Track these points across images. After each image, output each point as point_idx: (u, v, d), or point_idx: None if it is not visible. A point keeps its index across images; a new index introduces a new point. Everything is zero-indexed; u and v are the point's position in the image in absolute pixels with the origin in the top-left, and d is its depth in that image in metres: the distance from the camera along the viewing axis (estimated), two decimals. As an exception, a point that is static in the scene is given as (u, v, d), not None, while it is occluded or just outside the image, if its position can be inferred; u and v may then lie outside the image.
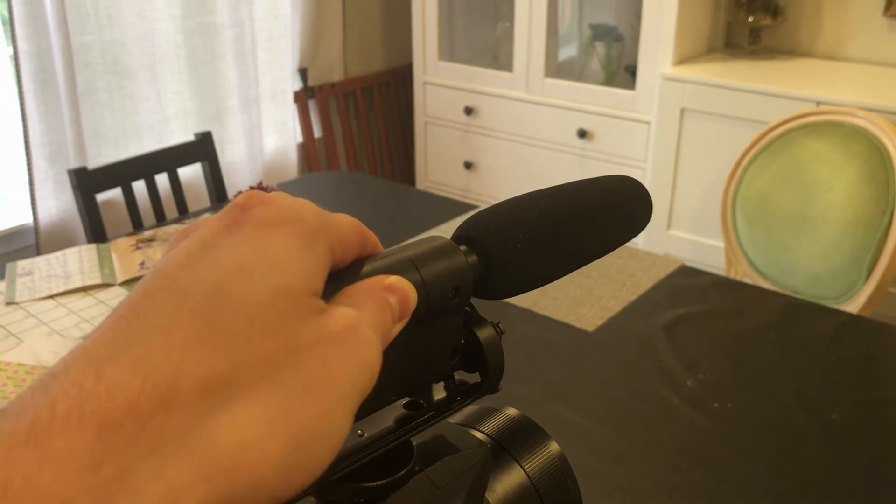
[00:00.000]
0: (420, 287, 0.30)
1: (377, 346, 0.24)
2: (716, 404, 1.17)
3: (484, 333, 0.34)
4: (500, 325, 0.35)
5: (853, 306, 1.77)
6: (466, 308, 0.34)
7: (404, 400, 0.34)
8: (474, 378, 0.36)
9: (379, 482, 0.31)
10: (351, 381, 0.23)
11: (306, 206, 0.25)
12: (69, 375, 0.20)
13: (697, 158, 2.43)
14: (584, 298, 1.44)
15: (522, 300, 1.42)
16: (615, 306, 1.42)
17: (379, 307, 0.26)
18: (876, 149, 1.80)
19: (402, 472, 0.32)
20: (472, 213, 1.83)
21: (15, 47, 2.10)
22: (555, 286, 1.48)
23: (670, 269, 1.56)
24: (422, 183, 3.19)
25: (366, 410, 0.31)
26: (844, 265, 1.82)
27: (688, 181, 2.46)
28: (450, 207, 1.89)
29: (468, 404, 0.35)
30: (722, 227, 2.00)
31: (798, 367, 1.27)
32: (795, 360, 1.28)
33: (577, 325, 1.36)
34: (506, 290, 0.35)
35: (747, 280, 1.93)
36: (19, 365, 1.22)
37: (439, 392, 0.35)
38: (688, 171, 2.45)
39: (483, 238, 0.34)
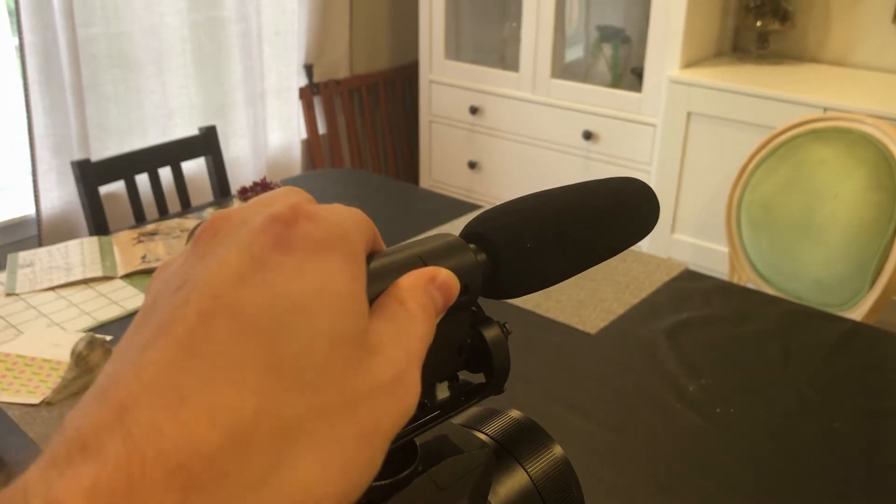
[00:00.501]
0: None
1: (418, 383, 0.25)
2: (718, 409, 1.16)
3: (490, 333, 0.34)
4: (506, 325, 0.35)
5: (857, 314, 1.76)
6: (472, 307, 0.33)
7: None
8: (478, 378, 0.36)
9: (382, 482, 0.31)
10: (396, 427, 0.24)
11: (348, 222, 0.26)
12: (143, 411, 0.19)
13: (703, 162, 2.42)
14: (587, 301, 1.44)
15: (525, 302, 1.41)
16: (618, 309, 1.42)
17: (426, 314, 0.27)
18: (883, 156, 1.79)
19: (406, 472, 0.31)
20: (476, 212, 1.83)
21: (21, 38, 2.09)
22: (557, 288, 1.47)
23: (674, 273, 1.55)
24: (425, 182, 3.19)
25: None
26: (849, 272, 1.81)
27: (693, 185, 2.45)
28: (454, 207, 1.88)
29: (473, 405, 0.34)
30: (726, 232, 1.99)
31: (801, 374, 1.26)
32: (798, 367, 1.28)
33: (580, 327, 1.36)
34: (513, 289, 0.35)
35: (750, 285, 1.92)
36: (18, 356, 1.22)
37: (442, 392, 0.35)
38: (693, 174, 2.44)
39: (492, 236, 0.34)
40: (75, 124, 2.22)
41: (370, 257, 0.28)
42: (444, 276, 0.28)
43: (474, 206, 1.87)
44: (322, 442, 0.21)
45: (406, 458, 0.32)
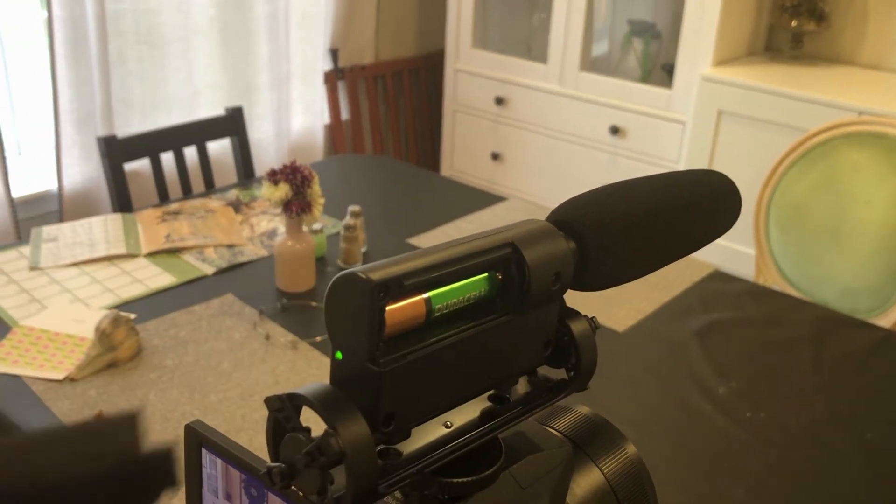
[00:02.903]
0: (522, 270, 0.28)
1: None
2: (748, 414, 1.14)
3: (578, 327, 0.32)
4: (594, 319, 0.33)
5: (885, 321, 1.73)
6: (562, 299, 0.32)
7: (489, 392, 0.32)
8: (556, 374, 0.34)
9: (467, 479, 0.29)
10: None
11: None
12: None
13: (732, 162, 2.39)
14: (615, 298, 1.42)
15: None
16: (647, 308, 1.39)
17: None
18: (919, 163, 1.75)
19: (491, 470, 0.30)
20: (502, 204, 1.81)
21: (50, 12, 2.08)
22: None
23: (703, 274, 1.53)
24: (446, 171, 3.17)
25: (454, 401, 0.29)
26: (878, 280, 1.78)
27: (719, 185, 2.42)
28: (479, 197, 1.86)
29: (558, 401, 0.33)
30: (754, 235, 1.96)
31: (833, 381, 1.24)
32: (830, 375, 1.25)
33: (608, 324, 1.34)
34: (598, 280, 0.33)
35: (776, 289, 1.89)
36: (42, 331, 1.21)
37: (521, 387, 0.33)
38: (720, 174, 2.41)
39: (581, 224, 0.32)
40: (100, 100, 2.21)
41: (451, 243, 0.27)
42: None
43: (499, 198, 1.85)
44: None
45: (490, 454, 0.31)
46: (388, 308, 0.27)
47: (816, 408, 1.17)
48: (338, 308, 0.27)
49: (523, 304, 0.30)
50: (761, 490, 1.01)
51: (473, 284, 0.30)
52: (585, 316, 0.33)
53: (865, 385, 1.23)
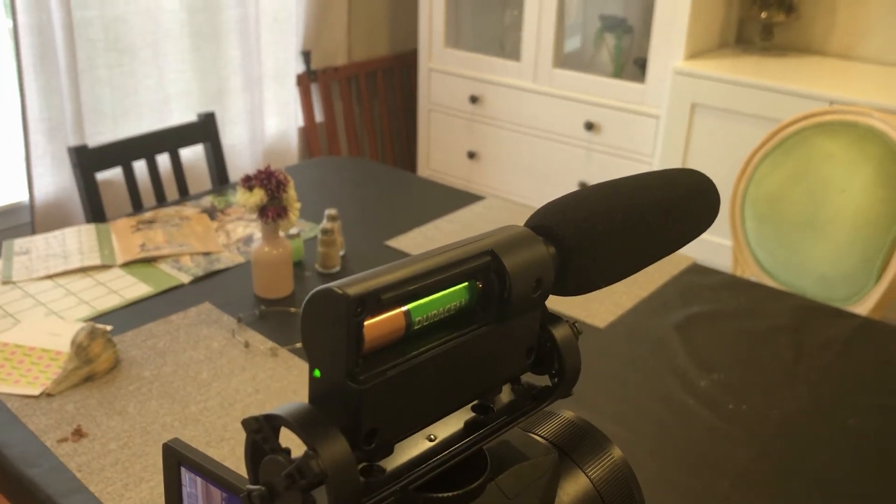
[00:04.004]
0: (503, 277, 0.28)
1: None
2: (730, 406, 1.15)
3: (560, 332, 0.32)
4: (576, 324, 0.32)
5: (861, 309, 1.74)
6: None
7: (472, 403, 0.32)
8: (539, 381, 0.34)
9: (452, 493, 0.29)
10: None
11: None
12: None
13: (707, 155, 2.40)
14: (595, 294, 1.42)
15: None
16: (627, 303, 1.40)
17: None
18: (891, 151, 1.77)
19: (476, 483, 0.29)
20: (479, 203, 1.80)
21: (14, 20, 2.05)
22: (565, 280, 1.45)
23: (682, 267, 1.53)
24: (423, 171, 3.16)
25: (437, 414, 0.29)
26: (855, 267, 1.79)
27: (695, 177, 2.43)
28: (457, 197, 1.85)
29: (542, 409, 0.32)
30: (730, 226, 1.97)
31: (813, 370, 1.24)
32: (810, 363, 1.26)
33: (589, 321, 1.34)
34: (578, 285, 0.33)
35: (753, 279, 1.91)
36: (17, 346, 1.19)
37: (505, 395, 0.33)
38: (696, 167, 2.41)
39: (561, 229, 0.32)
40: (70, 108, 2.18)
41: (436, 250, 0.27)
42: None
43: (477, 197, 1.85)
44: None
45: (475, 466, 0.30)
46: (366, 323, 0.26)
47: (798, 397, 1.18)
48: (314, 325, 0.26)
49: (504, 313, 0.29)
50: (746, 481, 1.01)
51: (453, 295, 0.29)
52: (567, 321, 0.33)
53: (845, 372, 1.24)
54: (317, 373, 0.27)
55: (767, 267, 1.92)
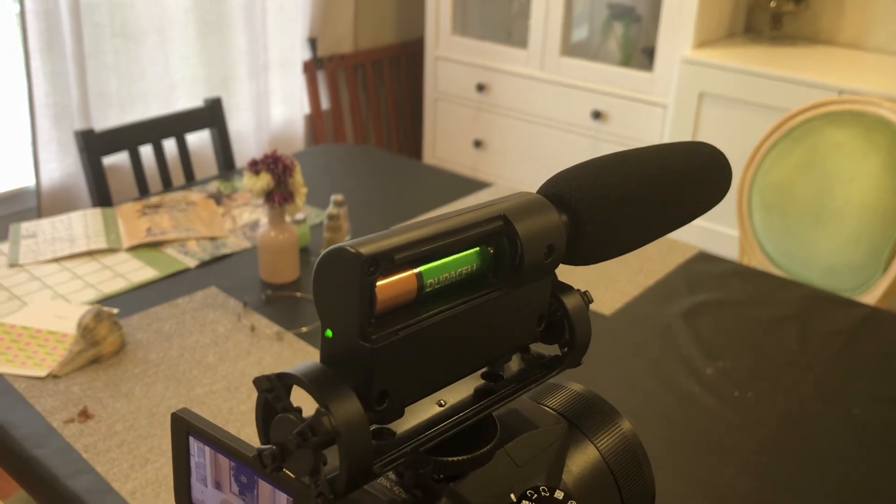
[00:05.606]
0: (514, 243, 0.27)
1: None
2: (736, 393, 1.15)
3: (571, 301, 0.31)
4: (587, 293, 0.32)
5: (869, 300, 1.74)
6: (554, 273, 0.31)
7: (482, 370, 0.31)
8: (549, 350, 0.33)
9: (462, 457, 0.28)
10: None
11: None
12: None
13: (714, 144, 2.39)
14: (600, 281, 1.41)
15: (538, 280, 1.39)
16: (633, 290, 1.39)
17: None
18: (900, 140, 1.76)
19: (486, 448, 0.29)
20: (486, 190, 1.80)
21: (22, 5, 2.05)
22: (569, 267, 1.45)
23: (688, 255, 1.53)
24: (429, 159, 3.15)
25: (447, 379, 0.29)
26: (862, 258, 1.79)
27: (702, 167, 2.42)
28: (462, 184, 1.85)
29: (552, 377, 0.32)
30: (737, 216, 1.97)
31: (819, 359, 1.24)
32: (816, 352, 1.26)
33: (594, 308, 1.33)
34: (590, 253, 0.33)
35: (760, 269, 1.90)
36: (24, 328, 1.19)
37: (515, 364, 0.33)
38: (702, 157, 2.41)
39: (573, 196, 0.31)
40: (76, 94, 2.18)
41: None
42: None
43: (483, 184, 1.84)
44: None
45: (485, 432, 0.30)
46: (378, 283, 0.26)
47: (803, 386, 1.17)
48: (327, 284, 0.26)
49: (516, 278, 0.29)
50: (751, 468, 1.01)
51: (465, 259, 0.29)
52: (578, 290, 0.32)
53: (851, 362, 1.24)
54: (329, 333, 0.27)
55: (774, 257, 1.91)
